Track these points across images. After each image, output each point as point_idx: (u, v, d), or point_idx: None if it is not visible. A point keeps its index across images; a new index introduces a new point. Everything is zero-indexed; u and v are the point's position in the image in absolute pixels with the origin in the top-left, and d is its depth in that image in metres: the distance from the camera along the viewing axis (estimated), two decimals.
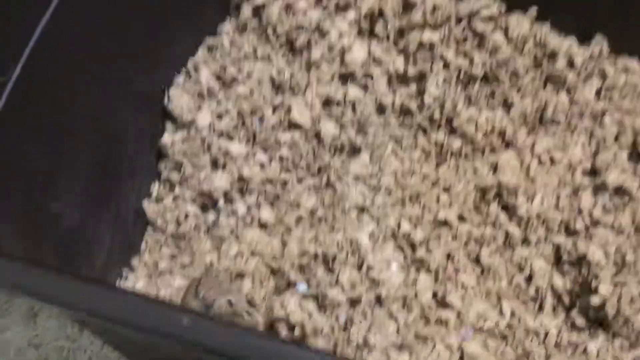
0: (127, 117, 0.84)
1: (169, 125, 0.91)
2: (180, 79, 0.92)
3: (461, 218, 0.87)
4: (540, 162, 0.89)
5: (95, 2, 0.73)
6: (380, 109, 0.93)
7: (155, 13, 0.85)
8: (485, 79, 0.92)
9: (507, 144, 0.91)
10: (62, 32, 0.68)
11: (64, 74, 0.71)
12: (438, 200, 0.88)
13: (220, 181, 0.88)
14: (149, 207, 0.90)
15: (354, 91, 0.93)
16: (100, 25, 0.75)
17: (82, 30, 0.72)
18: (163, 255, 0.88)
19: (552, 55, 0.91)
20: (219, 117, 0.91)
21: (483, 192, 0.88)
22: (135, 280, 0.87)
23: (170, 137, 0.91)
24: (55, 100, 0.71)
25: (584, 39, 0.93)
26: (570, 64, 0.91)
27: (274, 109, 0.91)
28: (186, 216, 0.89)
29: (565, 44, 0.91)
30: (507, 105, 0.92)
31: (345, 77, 0.93)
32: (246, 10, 0.95)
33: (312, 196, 0.89)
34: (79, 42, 0.72)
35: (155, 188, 0.91)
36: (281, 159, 0.90)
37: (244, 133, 0.91)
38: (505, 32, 0.92)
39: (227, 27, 0.97)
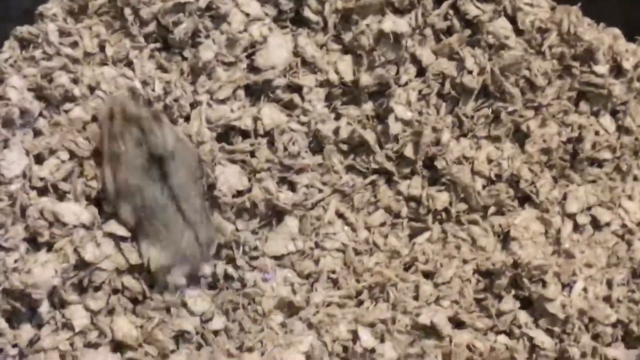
0: None
1: None
2: None
3: (457, 322, 0.85)
4: (577, 226, 0.90)
5: None
6: (317, 144, 0.93)
7: None
8: (485, 93, 0.92)
9: (524, 199, 0.91)
10: None
11: None
12: (417, 294, 0.86)
13: (45, 271, 0.83)
14: None
15: (271, 114, 0.91)
16: None
17: None
18: None
19: (587, 56, 0.92)
20: (41, 160, 0.87)
21: (489, 277, 0.87)
22: None
23: None
24: None
25: (635, 31, 0.95)
26: (617, 69, 0.93)
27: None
28: None
29: (606, 39, 0.92)
30: (519, 136, 0.93)
31: (257, 92, 0.93)
32: None
33: (205, 295, 0.87)
34: None
35: None
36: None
37: (83, 187, 0.87)
38: (513, 18, 0.93)
39: (53, 7, 0.92)
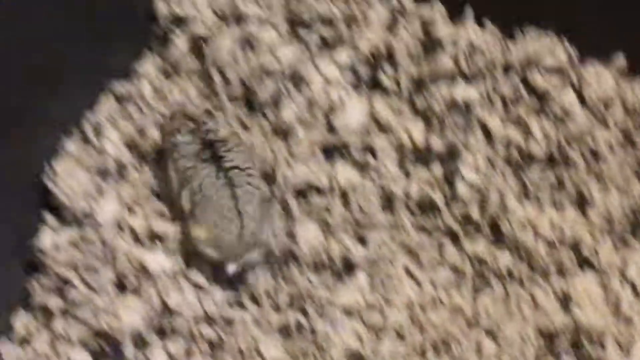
0: None
1: (49, 219, 0.91)
2: (70, 145, 0.93)
3: None
4: (636, 292, 0.90)
5: None
6: (388, 202, 0.95)
7: (34, 41, 0.86)
8: (550, 160, 0.94)
9: (585, 263, 0.92)
10: None
11: None
12: (479, 351, 0.88)
13: (130, 313, 0.87)
14: (9, 354, 0.87)
15: (346, 173, 0.95)
16: None
17: None
18: None
19: None
20: (132, 209, 0.92)
21: (550, 338, 0.88)
22: None
23: (50, 238, 0.90)
24: None
25: None
26: None
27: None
28: None
29: None
30: (583, 203, 0.94)
31: (333, 151, 0.96)
32: (180, 43, 0.98)
33: (277, 342, 0.89)
34: None
35: (20, 321, 0.89)
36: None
37: (169, 235, 0.92)
38: (579, 90, 0.95)
39: (148, 67, 0.99)
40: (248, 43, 0.97)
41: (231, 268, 0.89)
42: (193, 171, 0.89)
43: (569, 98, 0.95)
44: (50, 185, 0.91)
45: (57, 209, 0.91)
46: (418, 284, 0.92)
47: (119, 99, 0.97)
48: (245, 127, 0.96)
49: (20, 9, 0.85)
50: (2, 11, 0.82)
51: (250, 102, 0.97)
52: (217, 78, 0.96)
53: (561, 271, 0.91)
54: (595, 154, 0.94)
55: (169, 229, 0.92)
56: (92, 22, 0.94)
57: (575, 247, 0.92)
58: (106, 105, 0.96)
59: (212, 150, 0.89)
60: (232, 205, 0.88)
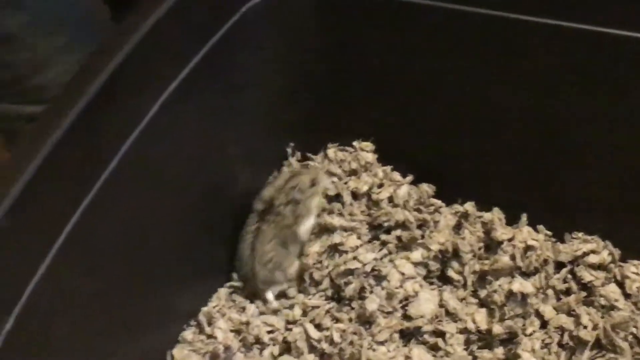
0: None
1: None
2: (188, 334, 1.05)
3: None
4: None
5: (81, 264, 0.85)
6: None
7: (163, 254, 0.99)
8: (598, 345, 1.03)
9: None
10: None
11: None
12: None
13: None
14: None
15: (420, 354, 1.03)
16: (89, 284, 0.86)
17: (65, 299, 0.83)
18: None
19: None
20: None
21: None
22: None
23: None
24: None
25: None
26: None
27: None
28: None
29: None
30: None
31: (409, 335, 1.06)
32: None
33: None
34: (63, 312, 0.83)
35: None
36: None
37: None
38: (621, 284, 1.06)
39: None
40: (335, 249, 1.09)
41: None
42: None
43: (613, 291, 1.04)
44: None
45: None
46: None
47: (228, 296, 1.10)
48: (336, 319, 1.06)
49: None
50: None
51: (339, 297, 1.08)
52: (307, 279, 1.09)
53: None
54: (638, 339, 1.01)
55: None
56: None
57: None
58: (216, 301, 1.08)
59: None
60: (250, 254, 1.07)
